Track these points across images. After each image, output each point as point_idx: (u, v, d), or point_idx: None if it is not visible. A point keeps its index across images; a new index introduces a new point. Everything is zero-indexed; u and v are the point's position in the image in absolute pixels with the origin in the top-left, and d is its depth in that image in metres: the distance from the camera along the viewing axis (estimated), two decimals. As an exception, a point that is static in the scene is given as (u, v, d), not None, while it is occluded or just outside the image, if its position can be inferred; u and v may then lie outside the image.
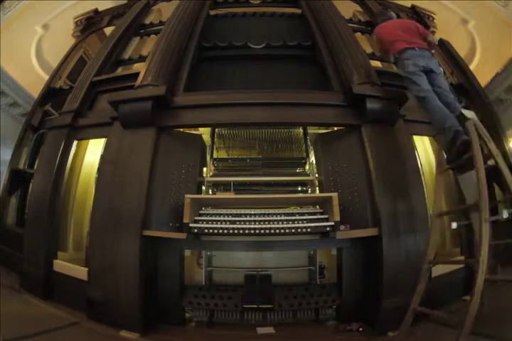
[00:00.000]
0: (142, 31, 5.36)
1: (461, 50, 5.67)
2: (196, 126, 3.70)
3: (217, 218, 2.81)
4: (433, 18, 6.20)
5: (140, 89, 3.44)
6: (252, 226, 2.69)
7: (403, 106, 3.36)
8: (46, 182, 3.48)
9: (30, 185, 3.42)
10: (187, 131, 3.68)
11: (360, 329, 2.67)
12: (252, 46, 4.33)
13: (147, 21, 5.58)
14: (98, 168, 3.59)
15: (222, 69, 4.19)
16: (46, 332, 2.29)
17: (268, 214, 2.82)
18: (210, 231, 2.69)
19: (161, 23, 5.17)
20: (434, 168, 3.81)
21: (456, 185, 3.56)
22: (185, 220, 2.71)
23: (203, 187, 3.46)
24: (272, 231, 2.67)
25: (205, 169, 3.61)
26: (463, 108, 2.98)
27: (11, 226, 4.26)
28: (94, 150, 3.86)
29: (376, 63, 4.54)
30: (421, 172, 3.36)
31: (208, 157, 3.70)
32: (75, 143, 3.75)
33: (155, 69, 3.59)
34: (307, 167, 3.77)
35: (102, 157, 3.49)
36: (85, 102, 3.96)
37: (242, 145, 4.01)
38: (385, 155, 3.09)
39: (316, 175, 3.52)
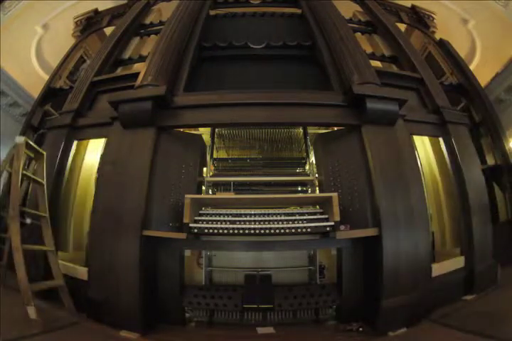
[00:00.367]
0: (142, 31, 5.36)
1: (461, 50, 5.67)
2: (196, 126, 3.70)
3: (217, 218, 2.81)
4: (433, 18, 6.20)
5: (140, 89, 3.44)
6: (252, 226, 2.69)
7: (403, 106, 3.36)
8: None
9: (30, 185, 3.42)
10: (187, 131, 3.68)
11: (360, 329, 2.67)
12: (252, 46, 4.34)
13: (147, 21, 5.58)
14: (98, 168, 3.59)
15: (222, 69, 4.19)
16: (46, 332, 2.29)
17: (268, 214, 2.82)
18: (210, 231, 2.70)
19: (161, 23, 5.17)
20: (434, 168, 3.84)
21: (457, 184, 3.55)
22: (185, 220, 2.71)
23: (203, 187, 3.46)
24: (272, 231, 2.67)
25: (205, 169, 3.62)
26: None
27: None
28: (94, 150, 3.86)
29: (376, 63, 4.55)
30: (421, 173, 3.37)
31: (208, 157, 3.71)
32: (75, 143, 3.75)
33: (155, 69, 3.59)
34: (307, 167, 3.77)
35: (102, 157, 3.49)
36: (85, 102, 3.96)
37: (242, 145, 4.01)
38: (385, 155, 3.09)
39: (316, 175, 3.52)
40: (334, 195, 2.78)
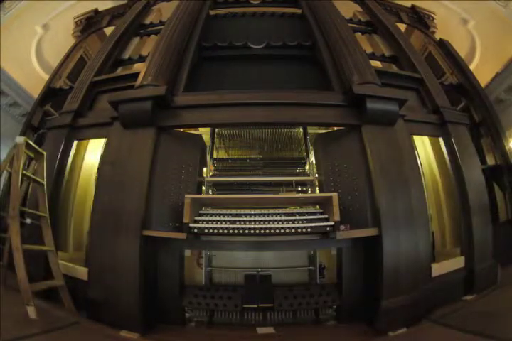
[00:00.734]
0: (142, 31, 5.36)
1: (461, 50, 5.67)
2: (196, 126, 3.70)
3: (217, 218, 2.80)
4: (433, 18, 6.20)
5: (140, 89, 3.44)
6: (252, 226, 2.69)
7: (403, 106, 3.36)
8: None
9: (30, 185, 3.42)
10: (187, 131, 3.68)
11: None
12: (252, 46, 4.34)
13: (147, 21, 5.59)
14: (98, 168, 3.59)
15: (222, 69, 4.19)
16: (46, 332, 2.29)
17: (268, 214, 2.82)
18: (210, 231, 2.69)
19: (161, 23, 5.18)
20: (434, 168, 3.84)
21: (457, 184, 3.55)
22: (185, 220, 2.71)
23: (203, 187, 3.46)
24: (272, 231, 2.67)
25: (205, 169, 3.61)
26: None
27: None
28: (94, 150, 3.86)
29: (376, 63, 4.55)
30: (421, 173, 3.37)
31: (208, 157, 3.71)
32: (75, 143, 3.75)
33: (155, 69, 3.59)
34: (307, 167, 3.77)
35: (102, 157, 3.49)
36: (85, 102, 3.96)
37: (242, 145, 4.01)
38: (385, 155, 3.09)
39: (316, 175, 3.52)
40: (334, 195, 2.78)
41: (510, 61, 5.35)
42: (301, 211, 2.95)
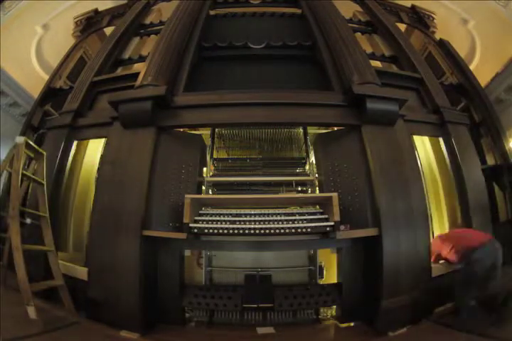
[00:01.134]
0: (142, 31, 5.36)
1: (461, 50, 5.67)
2: (196, 126, 3.70)
3: (217, 218, 2.80)
4: (433, 18, 6.20)
5: (140, 89, 3.44)
6: (252, 226, 2.69)
7: (403, 106, 3.36)
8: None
9: (30, 185, 3.42)
10: (187, 131, 3.68)
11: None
12: (252, 46, 4.34)
13: (147, 21, 5.59)
14: (98, 168, 3.59)
15: (222, 69, 4.19)
16: (46, 332, 2.29)
17: (268, 214, 2.82)
18: (210, 231, 2.69)
19: (161, 23, 5.18)
20: (434, 168, 3.84)
21: (457, 184, 3.55)
22: (185, 220, 2.71)
23: (203, 187, 3.46)
24: (272, 231, 2.67)
25: (205, 169, 3.61)
26: None
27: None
28: (94, 150, 3.86)
29: (376, 63, 4.55)
30: (421, 173, 3.36)
31: (208, 157, 3.70)
32: (75, 143, 3.75)
33: (155, 69, 3.59)
34: (307, 167, 3.77)
35: (102, 157, 3.49)
36: (85, 102, 3.96)
37: (242, 145, 4.01)
38: (385, 155, 3.09)
39: (316, 175, 3.52)
40: (334, 195, 2.78)
41: (510, 61, 5.35)
42: (301, 211, 2.95)
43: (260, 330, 2.73)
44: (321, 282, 3.17)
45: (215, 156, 3.81)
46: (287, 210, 2.98)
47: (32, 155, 3.09)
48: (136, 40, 5.19)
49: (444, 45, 5.54)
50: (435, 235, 3.21)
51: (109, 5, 6.40)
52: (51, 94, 5.11)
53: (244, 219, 2.78)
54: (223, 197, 3.29)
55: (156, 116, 3.26)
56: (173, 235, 2.79)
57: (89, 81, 4.10)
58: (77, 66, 5.41)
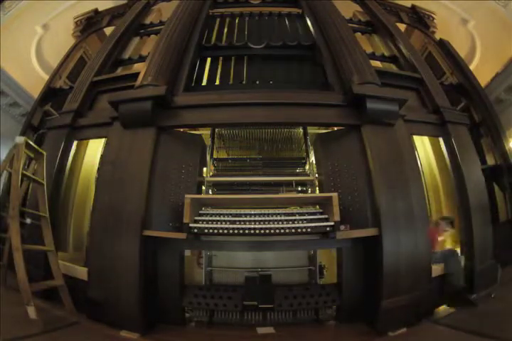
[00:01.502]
0: (142, 31, 5.36)
1: (461, 50, 5.67)
2: (196, 126, 3.70)
3: (217, 218, 2.80)
4: (433, 18, 6.21)
5: (140, 89, 3.44)
6: (252, 226, 2.69)
7: (403, 106, 3.36)
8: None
9: (30, 185, 3.42)
10: (187, 131, 3.68)
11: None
12: (252, 46, 4.33)
13: (147, 21, 5.59)
14: (98, 168, 3.59)
15: (222, 70, 4.19)
16: (46, 332, 2.29)
17: (268, 214, 2.82)
18: (210, 231, 2.69)
19: (161, 23, 5.18)
20: (434, 168, 3.84)
21: (457, 184, 3.55)
22: (185, 220, 2.71)
23: (203, 187, 3.46)
24: (272, 231, 2.67)
25: (205, 169, 3.61)
26: None
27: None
28: (94, 150, 3.86)
29: (376, 63, 4.55)
30: (421, 173, 3.36)
31: (208, 157, 3.70)
32: (75, 143, 3.75)
33: (155, 69, 3.59)
34: (307, 167, 3.77)
35: (102, 157, 3.49)
36: (85, 102, 3.96)
37: (242, 145, 4.01)
38: (385, 155, 3.09)
39: (316, 175, 3.52)
40: (334, 195, 2.78)
41: (510, 61, 5.35)
42: (301, 211, 2.95)
43: (260, 330, 2.73)
44: (321, 282, 3.16)
45: (215, 156, 3.81)
46: (287, 210, 2.98)
47: (32, 155, 3.09)
48: (136, 40, 5.19)
49: (444, 45, 5.54)
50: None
51: (109, 5, 6.40)
52: (51, 94, 5.11)
53: (244, 219, 2.78)
54: (223, 197, 3.29)
55: (156, 116, 3.26)
56: (173, 235, 2.79)
57: (89, 81, 4.10)
58: (77, 66, 5.42)
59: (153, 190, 3.02)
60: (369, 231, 2.81)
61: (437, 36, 5.86)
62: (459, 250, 3.38)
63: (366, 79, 3.47)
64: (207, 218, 2.82)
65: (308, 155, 3.78)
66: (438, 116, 3.80)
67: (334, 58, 3.91)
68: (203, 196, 3.32)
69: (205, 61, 4.32)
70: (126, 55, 4.79)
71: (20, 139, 2.77)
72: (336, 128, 3.69)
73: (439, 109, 3.81)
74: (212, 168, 3.75)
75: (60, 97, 4.76)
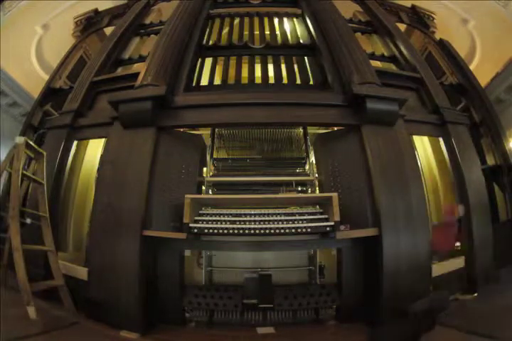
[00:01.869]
0: (142, 31, 5.36)
1: (461, 50, 5.67)
2: (196, 126, 3.70)
3: (217, 218, 2.80)
4: (433, 18, 6.20)
5: (140, 89, 3.44)
6: (252, 226, 2.69)
7: (403, 106, 3.36)
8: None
9: (30, 185, 3.42)
10: (187, 131, 3.68)
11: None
12: (252, 46, 4.33)
13: (147, 21, 5.58)
14: (98, 168, 3.59)
15: (222, 69, 4.19)
16: (46, 332, 2.29)
17: (268, 214, 2.82)
18: (210, 231, 2.69)
19: (161, 23, 5.17)
20: (434, 168, 3.84)
21: (457, 184, 3.55)
22: (185, 220, 2.71)
23: (203, 187, 3.46)
24: (272, 231, 2.67)
25: (205, 169, 3.61)
26: None
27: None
28: (94, 150, 3.86)
29: (376, 63, 4.55)
30: (421, 173, 3.36)
31: (208, 157, 3.70)
32: (75, 143, 3.75)
33: (155, 69, 3.59)
34: (307, 167, 3.77)
35: (102, 157, 3.49)
36: (85, 102, 3.96)
37: (242, 145, 4.01)
38: (384, 155, 3.09)
39: (316, 175, 3.52)
40: (334, 195, 2.78)
41: (510, 61, 5.34)
42: (301, 211, 2.96)
43: (260, 330, 2.73)
44: (321, 282, 3.16)
45: (215, 156, 3.81)
46: (287, 210, 2.98)
47: (32, 155, 3.09)
48: (136, 40, 5.19)
49: (444, 45, 5.54)
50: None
51: (109, 5, 6.39)
52: (51, 94, 5.10)
53: (245, 219, 2.78)
54: (223, 197, 3.30)
55: (156, 116, 3.26)
56: (173, 235, 2.79)
57: (89, 81, 4.10)
58: (77, 66, 5.41)
59: (153, 190, 3.02)
60: (369, 231, 2.81)
61: (437, 36, 5.85)
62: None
63: (366, 79, 3.47)
64: (207, 218, 2.82)
65: (308, 155, 3.78)
66: (438, 116, 3.79)
67: (334, 58, 3.91)
68: (203, 196, 3.32)
69: (205, 61, 4.32)
70: (126, 55, 4.79)
71: (20, 139, 2.77)
72: (335, 128, 3.69)
73: (439, 109, 3.80)
74: (212, 168, 3.75)
75: (60, 97, 4.75)
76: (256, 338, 2.65)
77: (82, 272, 2.98)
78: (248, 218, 2.79)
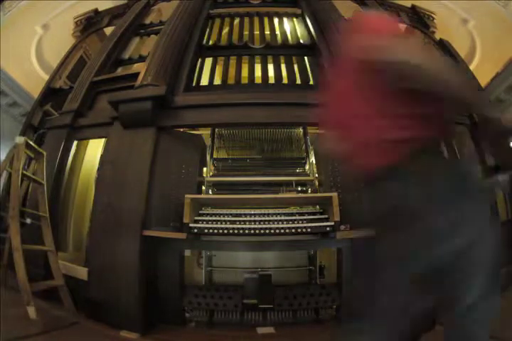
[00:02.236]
0: (142, 31, 5.35)
1: (461, 50, 5.66)
2: (196, 126, 3.70)
3: (217, 218, 2.81)
4: (433, 18, 6.20)
5: (140, 89, 3.44)
6: (252, 226, 2.69)
7: (403, 106, 3.35)
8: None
9: (30, 185, 3.42)
10: (187, 131, 3.68)
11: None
12: (252, 46, 4.33)
13: (147, 21, 5.58)
14: (98, 168, 3.59)
15: (222, 69, 4.19)
16: (46, 332, 2.29)
17: (268, 214, 2.83)
18: (210, 231, 2.70)
19: (161, 23, 5.17)
20: (434, 168, 3.84)
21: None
22: (185, 220, 2.71)
23: (203, 187, 3.46)
24: (272, 231, 2.67)
25: (205, 169, 3.61)
26: None
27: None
28: (94, 150, 3.86)
29: (376, 63, 4.54)
30: (421, 172, 3.36)
31: (208, 157, 3.70)
32: (75, 143, 3.75)
33: (155, 69, 3.59)
34: (307, 167, 3.77)
35: (102, 157, 3.49)
36: (85, 102, 3.96)
37: (242, 145, 4.00)
38: (385, 155, 3.08)
39: (316, 175, 3.52)
40: (334, 195, 2.78)
41: (510, 61, 5.34)
42: (301, 211, 2.96)
43: (260, 330, 2.73)
44: (321, 282, 3.16)
45: (215, 156, 3.80)
46: (287, 210, 2.98)
47: (32, 155, 3.09)
48: (136, 40, 5.18)
49: (444, 45, 5.54)
50: None
51: (109, 5, 6.39)
52: (51, 94, 5.10)
53: (245, 219, 2.78)
54: (223, 197, 3.30)
55: (156, 116, 3.26)
56: (173, 235, 2.79)
57: (89, 81, 4.10)
58: (77, 66, 5.41)
59: (153, 190, 3.02)
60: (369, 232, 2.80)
61: (437, 36, 5.85)
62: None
63: (366, 79, 3.46)
64: (207, 218, 2.82)
65: (308, 155, 3.78)
66: (438, 116, 3.79)
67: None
68: (203, 196, 3.32)
69: (205, 61, 4.32)
70: (126, 55, 4.78)
71: (20, 139, 2.77)
72: (336, 128, 3.69)
73: (439, 109, 3.80)
74: (212, 168, 3.75)
75: (60, 97, 4.75)
76: (256, 338, 2.65)
77: (82, 272, 2.98)
78: (248, 218, 2.79)
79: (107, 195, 3.05)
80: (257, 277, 3.01)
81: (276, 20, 5.17)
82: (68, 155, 3.65)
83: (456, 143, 3.66)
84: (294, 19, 5.16)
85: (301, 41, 4.46)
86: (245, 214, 2.84)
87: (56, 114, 4.36)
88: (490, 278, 0.98)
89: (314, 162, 3.62)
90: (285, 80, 4.01)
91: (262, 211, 2.87)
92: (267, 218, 2.77)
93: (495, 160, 0.94)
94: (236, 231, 2.68)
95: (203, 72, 4.16)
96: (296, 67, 4.19)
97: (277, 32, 4.85)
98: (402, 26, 5.42)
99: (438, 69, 0.88)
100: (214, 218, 2.81)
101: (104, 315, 2.70)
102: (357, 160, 1.06)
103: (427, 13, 6.22)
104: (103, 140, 3.65)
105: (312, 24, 4.65)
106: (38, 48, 6.15)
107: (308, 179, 3.56)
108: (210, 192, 3.49)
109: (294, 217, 2.80)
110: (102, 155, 3.55)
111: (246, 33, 4.78)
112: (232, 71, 4.13)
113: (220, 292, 2.90)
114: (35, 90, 5.41)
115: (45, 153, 3.14)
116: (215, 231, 2.69)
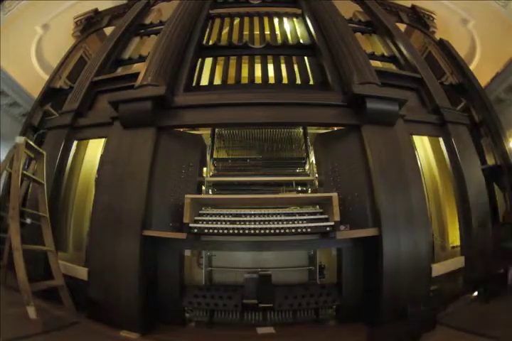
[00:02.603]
0: (142, 31, 5.36)
1: (461, 50, 5.67)
2: (196, 126, 3.70)
3: (217, 218, 2.80)
4: (433, 18, 6.21)
5: (140, 89, 3.44)
6: (252, 226, 2.69)
7: (403, 106, 3.36)
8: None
9: (30, 185, 3.42)
10: (187, 131, 3.68)
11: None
12: (252, 46, 4.33)
13: (147, 21, 5.59)
14: (98, 168, 3.59)
15: (222, 69, 4.19)
16: (46, 332, 2.29)
17: (268, 214, 2.82)
18: (210, 231, 2.69)
19: (161, 23, 5.18)
20: (434, 168, 3.84)
21: (457, 184, 3.55)
22: (185, 220, 2.71)
23: (203, 187, 3.45)
24: (272, 231, 2.67)
25: (205, 169, 3.61)
26: None
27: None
28: (94, 150, 3.86)
29: (376, 63, 4.55)
30: (421, 173, 3.36)
31: (208, 157, 3.70)
32: (75, 143, 3.75)
33: (155, 69, 3.59)
34: (307, 167, 3.77)
35: (102, 157, 3.49)
36: (85, 102, 3.96)
37: (242, 145, 4.01)
38: (384, 155, 3.08)
39: (316, 175, 3.52)
40: (334, 195, 2.78)
41: (510, 61, 5.34)
42: (301, 211, 2.95)
43: (260, 330, 2.73)
44: (321, 282, 3.16)
45: (215, 156, 3.81)
46: (287, 210, 2.98)
47: (32, 155, 3.09)
48: (136, 40, 5.19)
49: (444, 45, 5.54)
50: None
51: (109, 5, 6.40)
52: (51, 94, 5.11)
53: (244, 219, 2.78)
54: (223, 197, 3.30)
55: (156, 116, 3.26)
56: (173, 235, 2.79)
57: (89, 81, 4.10)
58: (77, 66, 5.42)
59: (153, 190, 3.02)
60: (369, 231, 2.81)
61: (437, 36, 5.86)
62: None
63: (366, 79, 3.47)
64: (207, 218, 2.82)
65: (308, 155, 3.78)
66: (438, 116, 3.79)
67: (334, 58, 3.91)
68: (203, 196, 3.32)
69: (205, 61, 4.32)
70: (126, 55, 4.79)
71: (20, 139, 2.77)
72: (336, 128, 3.69)
73: (439, 109, 3.80)
74: (212, 168, 3.75)
75: (60, 97, 4.75)
76: (256, 338, 2.65)
77: (82, 272, 2.98)
78: (248, 218, 2.79)
79: (107, 195, 3.05)
80: (257, 277, 3.01)
81: (276, 20, 5.18)
82: (68, 155, 3.65)
83: (456, 143, 3.66)
84: (294, 19, 5.17)
85: (301, 41, 4.46)
86: (245, 214, 2.83)
87: (56, 114, 4.36)
88: None
89: (314, 162, 3.62)
90: (285, 80, 4.01)
91: (262, 211, 2.87)
92: (267, 218, 2.77)
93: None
94: (236, 231, 2.68)
95: (203, 72, 4.16)
96: (296, 67, 4.19)
97: (277, 32, 4.85)
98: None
99: None
100: (214, 218, 2.81)
101: (104, 315, 2.70)
102: None
103: (427, 13, 6.23)
104: (103, 140, 3.65)
105: (312, 24, 4.66)
106: (38, 48, 6.15)
107: (308, 179, 3.56)
108: (210, 192, 3.49)
109: (293, 217, 2.79)
110: (102, 155, 3.55)
111: (246, 33, 4.79)
112: (232, 71, 4.13)
113: (220, 292, 2.90)
114: (35, 90, 5.41)
115: (45, 153, 3.14)
116: (215, 231, 2.69)
